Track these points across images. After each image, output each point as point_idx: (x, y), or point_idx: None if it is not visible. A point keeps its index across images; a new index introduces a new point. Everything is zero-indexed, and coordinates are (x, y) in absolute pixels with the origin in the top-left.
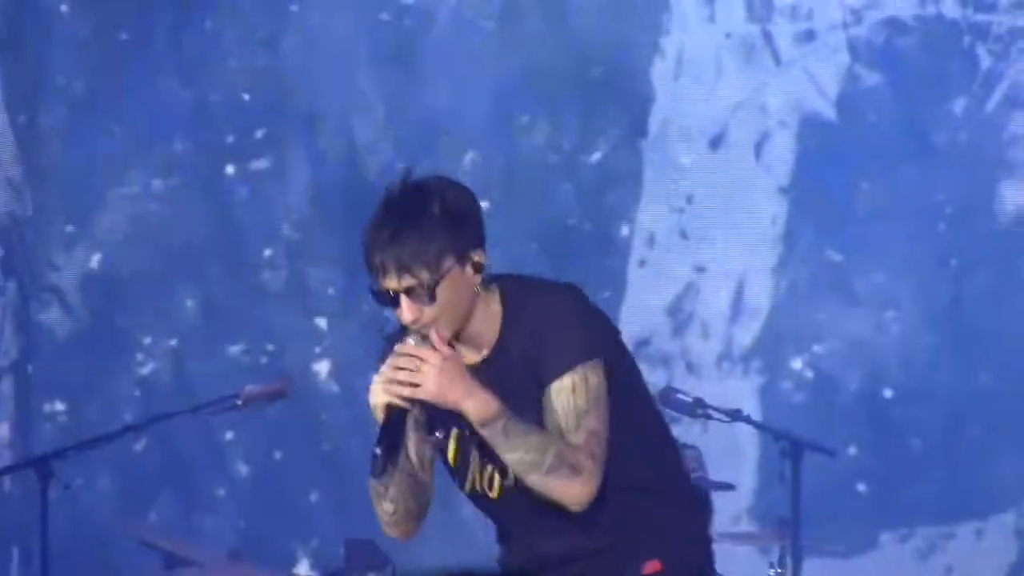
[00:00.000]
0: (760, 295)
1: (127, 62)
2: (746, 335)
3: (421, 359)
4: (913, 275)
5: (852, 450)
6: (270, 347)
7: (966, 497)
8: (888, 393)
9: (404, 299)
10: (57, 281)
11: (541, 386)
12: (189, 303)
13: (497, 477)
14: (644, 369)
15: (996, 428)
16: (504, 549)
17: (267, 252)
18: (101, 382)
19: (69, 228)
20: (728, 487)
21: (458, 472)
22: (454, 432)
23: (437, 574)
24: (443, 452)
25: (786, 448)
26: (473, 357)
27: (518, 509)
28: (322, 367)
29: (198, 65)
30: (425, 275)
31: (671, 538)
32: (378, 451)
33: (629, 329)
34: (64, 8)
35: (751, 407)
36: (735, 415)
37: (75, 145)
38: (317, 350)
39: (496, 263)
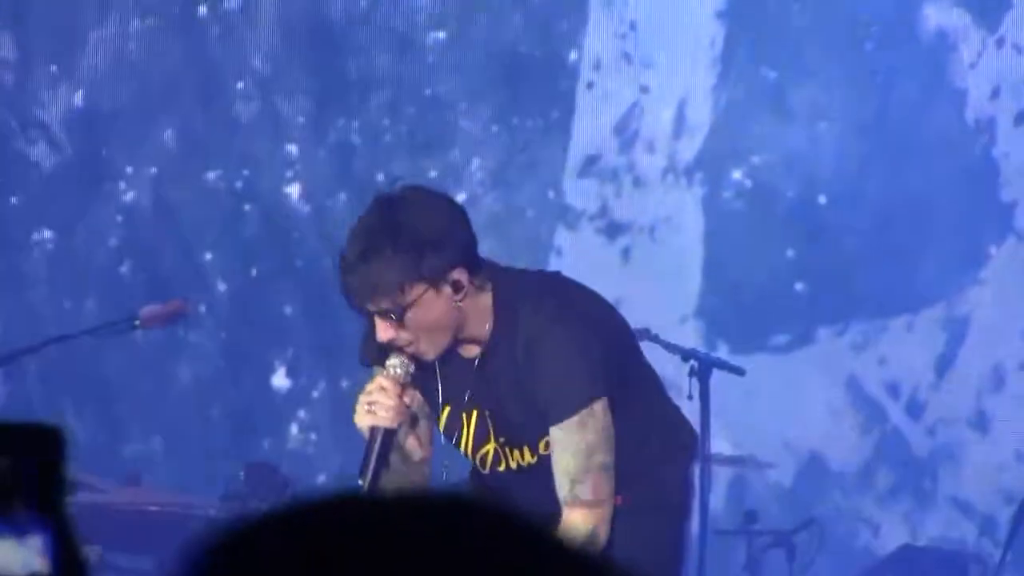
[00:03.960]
0: (701, 112)
1: None
2: (688, 150)
3: (384, 392)
4: (843, 89)
5: (790, 252)
6: (245, 172)
7: (897, 293)
8: (822, 199)
9: (377, 320)
10: (43, 118)
11: (541, 412)
12: (167, 134)
13: (526, 454)
14: (593, 184)
15: (922, 228)
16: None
17: (239, 85)
18: (86, 210)
19: (53, 68)
20: None
21: (470, 444)
22: (475, 411)
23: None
24: (455, 424)
25: (694, 368)
26: (469, 351)
27: (524, 479)
28: (293, 190)
29: None
30: (387, 303)
31: (643, 479)
32: (361, 483)
33: (579, 147)
34: None
35: (694, 217)
36: (642, 334)
37: None
38: (288, 174)
39: (457, 89)
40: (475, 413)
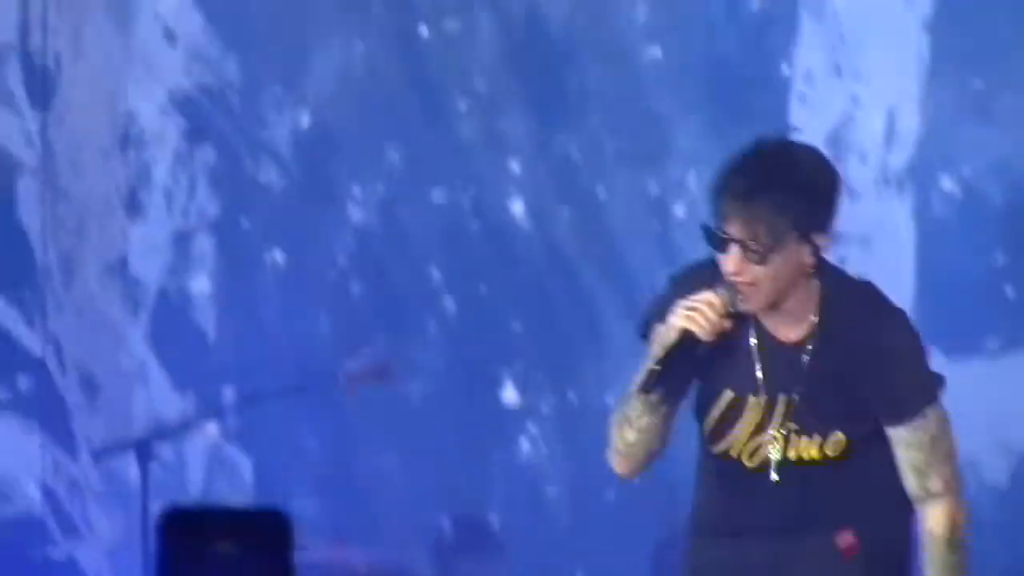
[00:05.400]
0: (910, 123)
1: None
2: (899, 159)
3: (711, 305)
4: None
5: (1000, 258)
6: (470, 190)
7: None
8: None
9: (736, 250)
10: (270, 140)
11: (868, 410)
12: (393, 153)
13: (812, 449)
14: None
15: None
16: (710, 511)
17: (461, 103)
18: (316, 230)
19: (278, 90)
20: None
21: (746, 431)
22: (781, 398)
23: None
24: (735, 409)
25: None
26: (787, 334)
27: (787, 485)
28: (517, 206)
29: None
30: (765, 237)
31: (873, 507)
32: (657, 367)
33: None
34: None
35: (906, 225)
36: None
37: (278, 12)
38: (511, 190)
39: (668, 104)
40: (765, 398)
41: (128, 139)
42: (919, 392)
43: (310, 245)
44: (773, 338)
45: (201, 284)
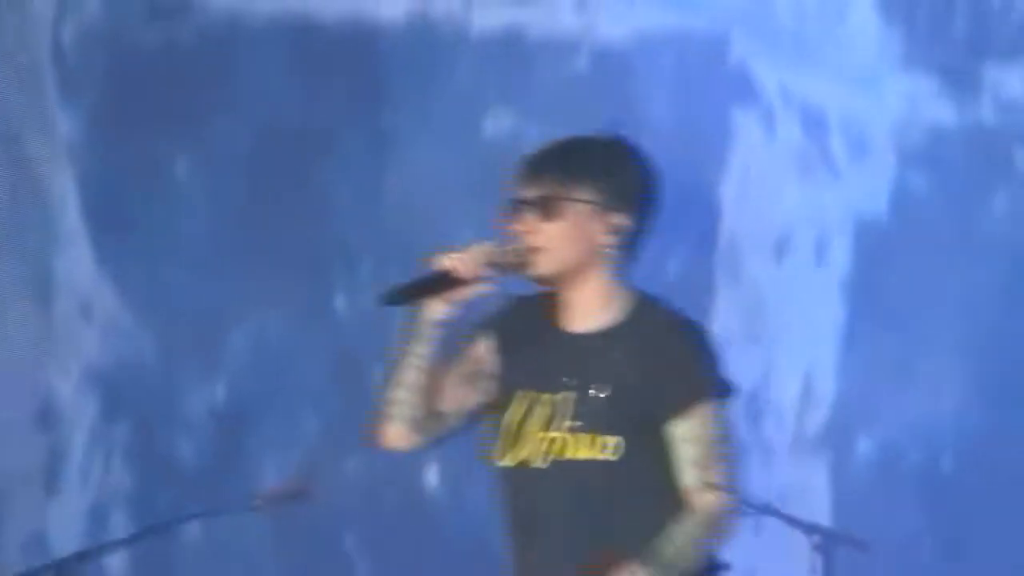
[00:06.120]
0: (827, 385)
1: (242, 214)
2: (815, 421)
3: (480, 250)
4: (963, 355)
5: (918, 520)
6: (384, 459)
7: None
8: (949, 466)
9: (526, 217)
10: (184, 414)
11: (660, 400)
12: (310, 425)
13: (594, 446)
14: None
15: None
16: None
17: (377, 373)
18: (232, 503)
19: (193, 364)
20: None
21: (535, 426)
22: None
23: None
24: (526, 406)
25: (818, 542)
26: (571, 324)
27: (569, 492)
28: (431, 475)
29: (307, 206)
30: (556, 188)
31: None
32: (403, 285)
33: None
34: (181, 174)
35: (823, 486)
36: (764, 508)
37: (193, 287)
38: (426, 459)
39: None
40: (551, 395)
41: (46, 417)
42: (695, 387)
43: (226, 518)
44: (565, 332)
45: (117, 559)
